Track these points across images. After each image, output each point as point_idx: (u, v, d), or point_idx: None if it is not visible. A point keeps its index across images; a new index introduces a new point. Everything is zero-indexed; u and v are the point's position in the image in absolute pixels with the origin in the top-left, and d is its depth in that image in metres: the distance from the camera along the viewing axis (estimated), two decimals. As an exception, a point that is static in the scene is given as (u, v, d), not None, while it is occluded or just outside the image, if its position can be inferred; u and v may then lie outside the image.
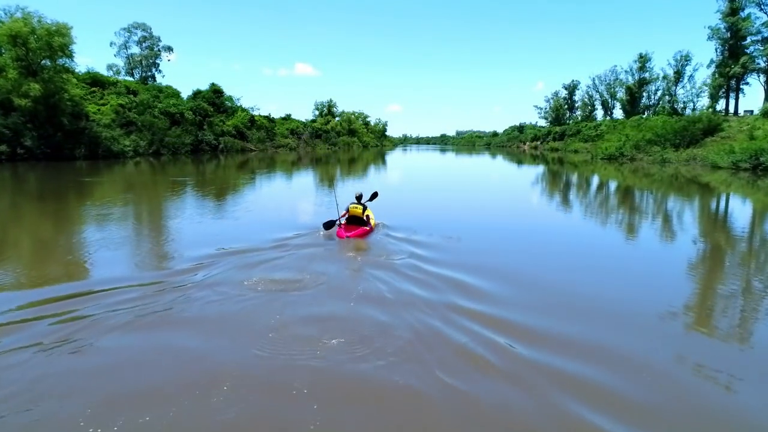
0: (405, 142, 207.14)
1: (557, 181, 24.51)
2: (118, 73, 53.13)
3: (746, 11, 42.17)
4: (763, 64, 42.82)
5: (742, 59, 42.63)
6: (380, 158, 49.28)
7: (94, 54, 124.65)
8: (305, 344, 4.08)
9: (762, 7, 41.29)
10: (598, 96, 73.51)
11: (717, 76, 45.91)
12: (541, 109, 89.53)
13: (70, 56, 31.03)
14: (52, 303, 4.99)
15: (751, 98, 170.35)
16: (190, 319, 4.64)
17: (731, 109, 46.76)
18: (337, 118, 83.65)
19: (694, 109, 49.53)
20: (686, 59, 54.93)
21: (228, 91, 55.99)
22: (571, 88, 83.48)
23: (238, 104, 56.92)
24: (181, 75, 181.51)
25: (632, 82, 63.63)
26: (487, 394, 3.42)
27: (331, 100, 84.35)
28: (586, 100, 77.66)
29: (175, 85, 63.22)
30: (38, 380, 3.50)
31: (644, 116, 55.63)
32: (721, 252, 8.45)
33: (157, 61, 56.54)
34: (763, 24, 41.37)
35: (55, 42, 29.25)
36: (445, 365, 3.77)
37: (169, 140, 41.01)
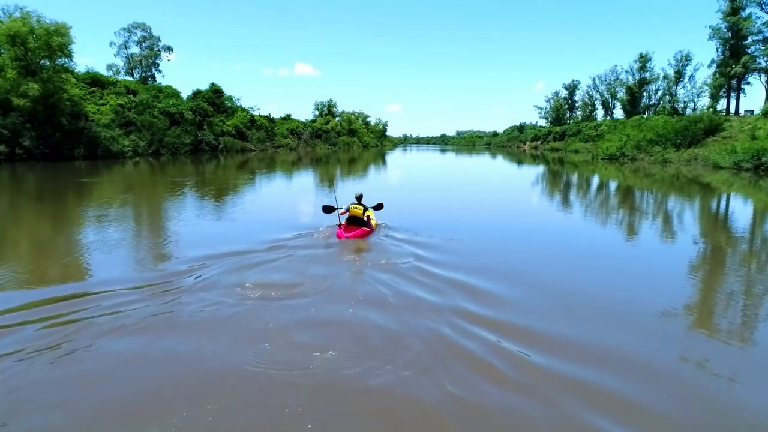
0: (405, 142, 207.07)
1: (558, 181, 24.41)
2: (117, 73, 53.14)
3: (747, 11, 42.14)
4: (764, 64, 42.74)
5: (743, 59, 42.52)
6: (380, 158, 49.19)
7: (93, 54, 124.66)
8: (301, 355, 3.86)
9: (763, 6, 41.24)
10: (598, 96, 73.50)
11: (718, 75, 45.81)
12: (541, 109, 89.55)
13: (69, 56, 30.95)
14: (40, 306, 4.87)
15: (751, 98, 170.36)
16: (179, 326, 4.46)
17: (732, 109, 46.67)
18: (337, 118, 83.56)
19: (694, 109, 49.57)
20: (687, 59, 54.89)
21: (228, 91, 56.01)
22: (572, 88, 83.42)
23: (238, 104, 56.88)
24: (181, 75, 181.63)
25: (633, 81, 63.53)
26: (500, 406, 3.26)
27: (331, 100, 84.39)
28: (586, 100, 77.63)
29: (175, 85, 63.30)
30: (17, 390, 3.34)
31: (645, 116, 55.54)
32: (740, 252, 8.35)
33: (157, 61, 56.52)
34: (764, 23, 41.31)
35: (54, 42, 29.14)
36: (454, 376, 3.58)
37: (169, 140, 40.90)
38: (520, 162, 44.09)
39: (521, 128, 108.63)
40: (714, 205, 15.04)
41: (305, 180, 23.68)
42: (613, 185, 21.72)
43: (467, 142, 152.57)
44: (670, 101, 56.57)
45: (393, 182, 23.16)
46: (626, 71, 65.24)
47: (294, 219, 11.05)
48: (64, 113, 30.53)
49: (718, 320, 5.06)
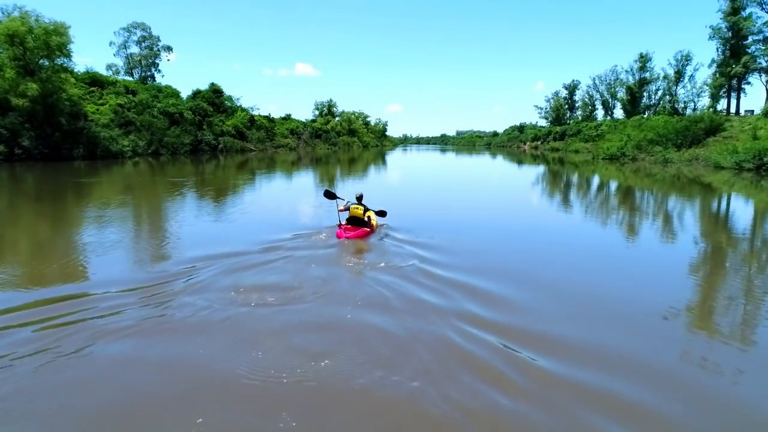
0: (405, 142, 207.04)
1: (558, 181, 24.33)
2: (117, 72, 53.03)
3: (747, 10, 42.07)
4: (764, 64, 42.67)
5: (744, 59, 42.46)
6: (380, 158, 49.11)
7: (93, 54, 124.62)
8: (297, 363, 3.70)
9: (763, 6, 41.16)
10: (598, 96, 73.40)
11: (718, 75, 45.74)
12: (541, 109, 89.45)
13: (68, 56, 30.83)
14: (31, 308, 4.78)
15: (751, 98, 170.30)
16: (173, 331, 4.32)
17: (732, 109, 46.60)
18: (337, 118, 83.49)
19: (694, 109, 49.54)
20: (687, 59, 54.82)
21: (228, 91, 55.95)
22: (572, 88, 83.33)
23: (238, 104, 56.79)
24: (181, 75, 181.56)
25: (633, 81, 63.46)
26: (509, 415, 3.14)
27: (331, 100, 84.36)
28: (586, 99, 77.52)
29: (174, 85, 63.17)
30: (7, 399, 3.23)
31: (645, 116, 55.47)
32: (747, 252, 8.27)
33: (157, 60, 56.41)
34: (764, 23, 41.26)
35: (53, 41, 29.03)
36: (461, 384, 3.45)
37: (168, 140, 40.81)
38: (520, 162, 44.02)
39: (521, 128, 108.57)
40: (716, 205, 14.95)
41: (305, 180, 23.60)
42: (614, 185, 21.64)
43: (467, 142, 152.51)
44: (670, 101, 56.54)
45: (393, 182, 23.07)
46: (626, 71, 65.30)
47: (293, 219, 10.96)
48: (63, 113, 30.44)
49: (732, 321, 4.97)
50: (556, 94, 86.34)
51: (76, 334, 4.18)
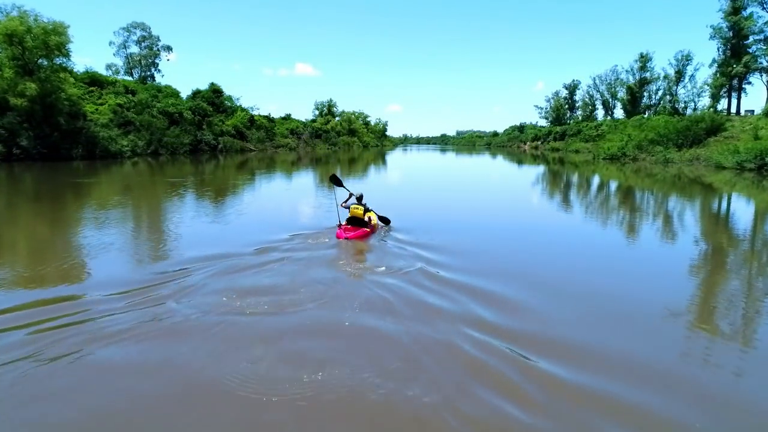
0: (405, 142, 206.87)
1: (559, 181, 24.24)
2: (117, 72, 52.93)
3: (748, 10, 41.93)
4: (765, 64, 42.58)
5: (745, 58, 42.36)
6: (380, 158, 49.01)
7: (93, 54, 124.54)
8: (291, 375, 3.46)
9: (764, 5, 41.03)
10: (598, 96, 73.28)
11: (719, 75, 45.64)
12: (541, 108, 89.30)
13: (67, 55, 30.71)
14: (23, 310, 4.68)
15: (751, 98, 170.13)
16: (161, 337, 4.13)
17: (733, 109, 46.50)
18: (337, 118, 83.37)
19: (695, 109, 49.43)
20: (687, 59, 54.75)
21: (228, 91, 55.80)
22: (572, 88, 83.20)
23: (238, 104, 56.65)
24: (181, 75, 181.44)
25: (633, 81, 63.35)
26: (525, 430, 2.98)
27: (331, 100, 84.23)
28: (586, 99, 77.38)
29: (174, 85, 63.02)
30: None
31: (645, 116, 55.38)
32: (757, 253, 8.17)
33: (157, 60, 56.34)
34: (765, 23, 41.14)
35: (52, 41, 28.91)
36: (471, 397, 3.27)
37: (168, 140, 40.68)
38: (520, 162, 43.93)
39: (521, 128, 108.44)
40: (721, 205, 14.85)
41: (305, 180, 23.50)
42: (615, 186, 21.54)
43: (467, 142, 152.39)
44: (670, 101, 56.45)
45: (393, 182, 22.98)
46: (627, 71, 65.18)
47: (293, 220, 10.86)
48: (62, 113, 30.32)
49: (745, 324, 4.87)
50: (557, 94, 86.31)
51: (68, 339, 4.06)
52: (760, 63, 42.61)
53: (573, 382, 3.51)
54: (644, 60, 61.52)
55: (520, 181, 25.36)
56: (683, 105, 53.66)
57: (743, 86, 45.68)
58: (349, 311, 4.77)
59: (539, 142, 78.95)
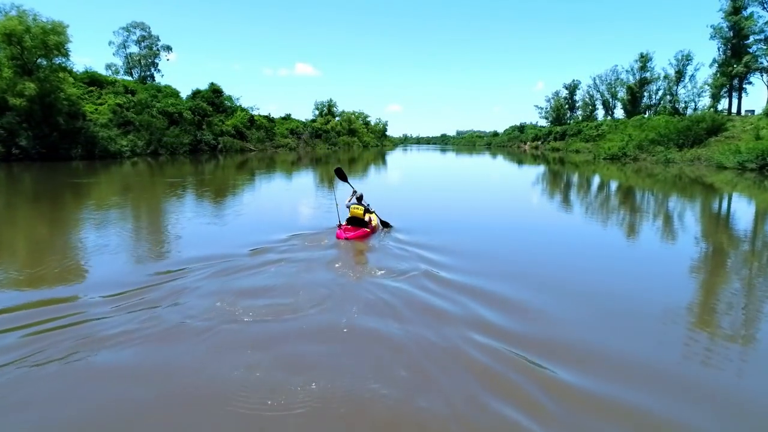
0: (405, 142, 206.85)
1: (559, 181, 24.16)
2: (116, 72, 52.83)
3: (749, 10, 41.85)
4: (766, 63, 42.48)
5: (745, 58, 42.27)
6: (380, 158, 48.95)
7: (93, 53, 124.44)
8: (288, 386, 3.30)
9: (765, 5, 40.94)
10: (599, 96, 73.24)
11: (719, 75, 45.56)
12: (541, 108, 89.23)
13: (66, 55, 30.64)
14: (8, 314, 4.59)
15: (751, 97, 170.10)
16: (153, 342, 3.99)
17: (733, 109, 46.43)
18: (337, 118, 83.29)
19: (695, 109, 49.36)
20: (687, 59, 54.70)
21: (228, 91, 55.74)
22: (572, 88, 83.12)
23: (238, 104, 56.57)
24: (181, 75, 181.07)
25: (633, 81, 63.31)
26: None
27: (331, 100, 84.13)
28: (587, 99, 77.32)
29: (174, 85, 62.92)
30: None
31: (646, 116, 55.32)
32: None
33: (156, 60, 56.27)
34: (766, 23, 41.03)
35: (51, 41, 28.83)
36: (483, 410, 3.13)
37: (168, 140, 40.60)
38: (520, 162, 43.85)
39: (522, 128, 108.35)
40: (727, 206, 14.78)
41: (305, 180, 23.43)
42: (617, 186, 21.46)
43: (467, 142, 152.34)
44: (670, 101, 56.39)
45: (393, 182, 22.91)
46: (627, 71, 65.15)
47: (292, 220, 10.79)
48: (61, 113, 30.24)
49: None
50: (557, 93, 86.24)
51: (59, 343, 3.97)
52: (761, 63, 42.53)
53: (585, 390, 3.42)
54: (644, 60, 61.49)
55: (521, 181, 25.28)
56: (683, 105, 53.66)
57: (743, 86, 45.64)
58: (350, 315, 4.64)
59: (539, 142, 78.87)
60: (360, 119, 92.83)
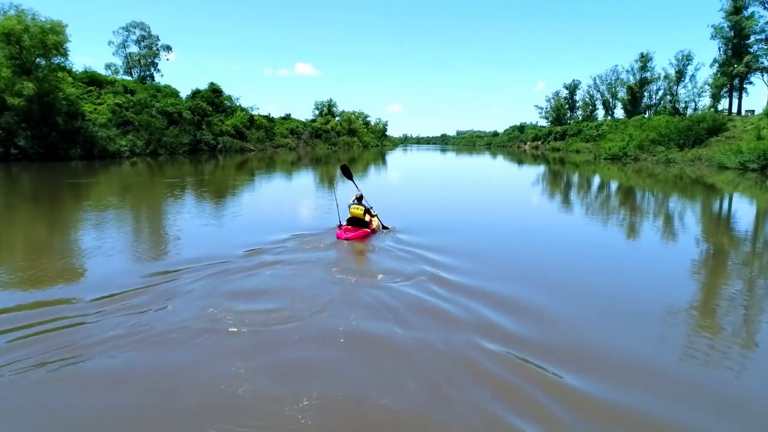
0: (405, 141, 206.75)
1: (560, 181, 24.07)
2: (116, 72, 52.71)
3: (750, 10, 41.77)
4: (766, 63, 42.42)
5: (746, 58, 42.19)
6: (380, 158, 48.85)
7: (92, 53, 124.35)
8: (277, 401, 3.08)
9: (766, 5, 40.87)
10: (599, 96, 73.20)
11: (720, 75, 45.48)
12: (541, 108, 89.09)
13: (65, 55, 30.55)
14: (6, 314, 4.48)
15: (751, 97, 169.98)
16: (141, 348, 3.84)
17: (734, 109, 46.35)
18: (337, 118, 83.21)
19: (695, 109, 49.29)
20: (688, 59, 54.64)
21: (228, 90, 55.68)
22: (572, 88, 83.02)
23: (238, 104, 56.48)
24: (181, 75, 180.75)
25: (633, 81, 63.25)
26: None
27: (331, 100, 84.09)
28: (587, 99, 77.25)
29: (174, 85, 62.76)
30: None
31: (646, 116, 55.25)
32: None
33: (156, 60, 56.14)
34: (766, 22, 40.98)
35: (50, 40, 28.72)
36: (489, 420, 2.99)
37: (167, 140, 40.48)
38: (520, 162, 43.77)
39: (522, 128, 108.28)
40: (732, 206, 14.68)
41: (304, 180, 23.33)
42: (619, 186, 21.37)
43: (468, 142, 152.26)
44: (671, 101, 56.36)
45: (393, 182, 22.82)
46: (627, 71, 65.12)
47: (292, 220, 10.69)
48: (60, 112, 30.12)
49: None
50: (557, 93, 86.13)
51: (45, 349, 3.82)
52: (762, 63, 42.46)
53: (596, 396, 3.33)
54: (645, 60, 61.43)
55: (521, 181, 25.19)
56: (684, 105, 53.64)
57: (744, 86, 45.55)
58: (351, 321, 4.47)
59: (539, 142, 78.80)
60: (360, 119, 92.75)
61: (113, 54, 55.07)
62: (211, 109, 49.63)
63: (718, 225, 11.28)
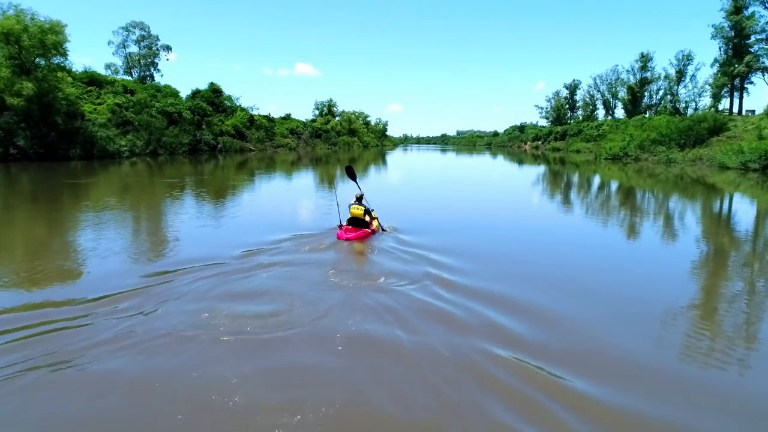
0: (405, 141, 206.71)
1: (560, 181, 24.00)
2: (116, 72, 52.66)
3: (750, 9, 41.69)
4: (767, 63, 42.32)
5: (747, 58, 42.10)
6: (381, 158, 48.78)
7: (92, 53, 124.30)
8: (272, 409, 2.98)
9: (766, 5, 40.80)
10: (599, 95, 73.10)
11: (720, 75, 45.40)
12: (542, 108, 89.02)
13: (64, 54, 30.47)
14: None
15: (751, 97, 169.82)
16: (132, 354, 3.73)
17: (734, 109, 46.28)
18: (337, 118, 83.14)
19: (696, 109, 49.20)
20: (688, 58, 54.49)
21: (228, 90, 55.65)
22: (572, 88, 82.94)
23: (238, 104, 56.40)
24: (181, 75, 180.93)
25: (634, 81, 63.16)
26: None
27: (331, 100, 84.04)
28: (587, 99, 77.17)
29: (174, 85, 62.71)
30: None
31: (646, 116, 55.18)
32: None
33: (156, 60, 56.08)
34: (767, 22, 40.90)
35: (49, 40, 28.66)
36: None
37: (167, 140, 40.41)
38: (521, 162, 43.71)
39: (522, 128, 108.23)
40: (733, 206, 14.62)
41: (304, 181, 23.26)
42: (620, 186, 21.29)
43: (468, 142, 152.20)
44: (671, 101, 56.24)
45: (393, 182, 22.76)
46: (627, 71, 64.98)
47: (292, 221, 10.62)
48: (60, 112, 30.05)
49: None
50: (557, 93, 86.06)
51: (36, 354, 3.74)
52: (762, 62, 42.37)
53: (601, 400, 3.26)
54: (645, 60, 61.35)
55: (521, 181, 25.12)
56: (684, 105, 53.52)
57: (745, 86, 45.46)
58: (351, 325, 4.36)
59: (540, 142, 78.74)
60: (360, 119, 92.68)
61: (113, 54, 55.18)
62: (211, 109, 49.56)
63: (719, 225, 11.22)
